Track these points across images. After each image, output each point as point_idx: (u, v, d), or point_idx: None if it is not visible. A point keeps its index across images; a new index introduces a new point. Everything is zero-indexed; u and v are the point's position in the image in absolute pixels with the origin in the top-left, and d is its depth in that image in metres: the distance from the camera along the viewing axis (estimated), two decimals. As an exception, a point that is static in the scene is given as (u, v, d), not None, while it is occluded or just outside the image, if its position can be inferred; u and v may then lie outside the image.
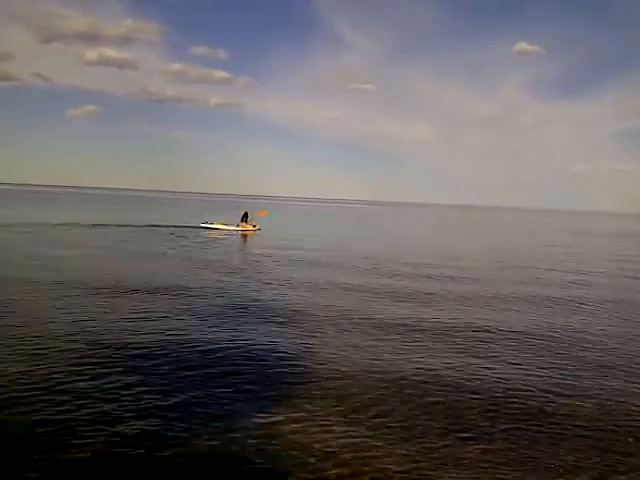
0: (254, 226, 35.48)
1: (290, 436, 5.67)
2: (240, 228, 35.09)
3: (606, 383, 7.87)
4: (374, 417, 6.32)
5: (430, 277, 18.16)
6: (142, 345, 8.66)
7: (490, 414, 6.59)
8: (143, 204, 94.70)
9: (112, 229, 32.61)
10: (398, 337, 9.96)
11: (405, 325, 10.95)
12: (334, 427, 5.95)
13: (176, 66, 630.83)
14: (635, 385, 7.87)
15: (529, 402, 7.00)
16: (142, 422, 5.89)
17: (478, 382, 7.65)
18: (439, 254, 27.06)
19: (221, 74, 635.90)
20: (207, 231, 33.86)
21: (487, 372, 8.12)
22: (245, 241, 30.59)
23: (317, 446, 5.47)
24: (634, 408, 7.00)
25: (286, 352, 8.64)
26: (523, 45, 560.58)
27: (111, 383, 6.93)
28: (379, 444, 5.63)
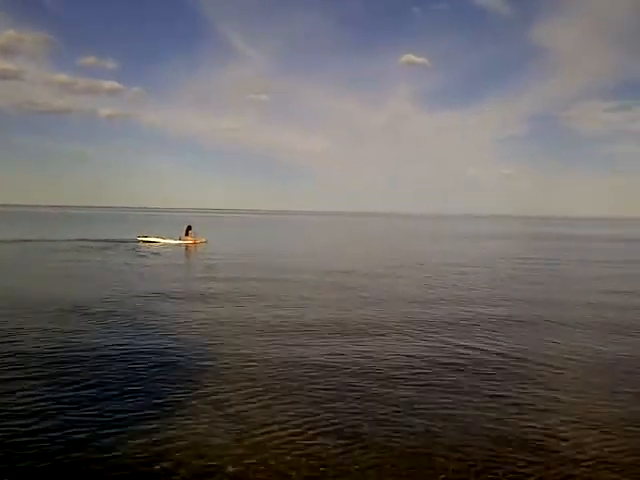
0: (198, 240, 35.42)
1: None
2: (183, 241, 35.01)
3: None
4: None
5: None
6: None
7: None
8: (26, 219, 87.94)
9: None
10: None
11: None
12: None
13: (63, 77, 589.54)
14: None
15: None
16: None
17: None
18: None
19: (111, 84, 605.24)
20: (146, 245, 33.48)
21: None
22: (188, 254, 30.51)
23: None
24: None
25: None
26: (409, 57, 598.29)
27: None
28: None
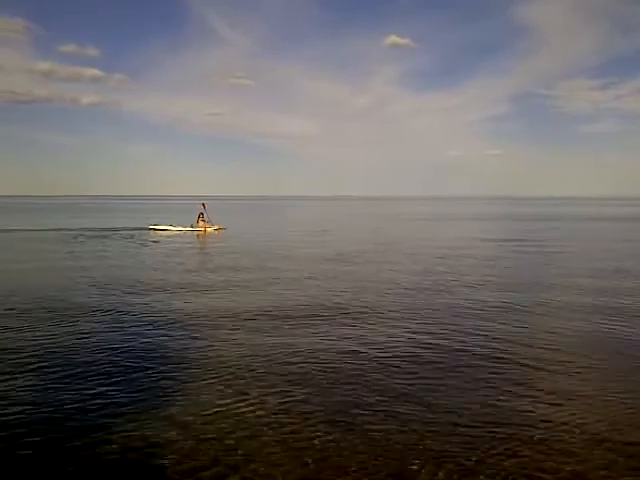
0: (211, 227, 36.22)
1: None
2: (195, 229, 35.90)
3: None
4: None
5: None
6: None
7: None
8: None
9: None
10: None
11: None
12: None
13: (43, 65, 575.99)
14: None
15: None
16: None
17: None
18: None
19: (93, 72, 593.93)
20: (158, 233, 34.68)
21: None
22: (202, 241, 31.40)
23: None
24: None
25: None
26: (394, 38, 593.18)
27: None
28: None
